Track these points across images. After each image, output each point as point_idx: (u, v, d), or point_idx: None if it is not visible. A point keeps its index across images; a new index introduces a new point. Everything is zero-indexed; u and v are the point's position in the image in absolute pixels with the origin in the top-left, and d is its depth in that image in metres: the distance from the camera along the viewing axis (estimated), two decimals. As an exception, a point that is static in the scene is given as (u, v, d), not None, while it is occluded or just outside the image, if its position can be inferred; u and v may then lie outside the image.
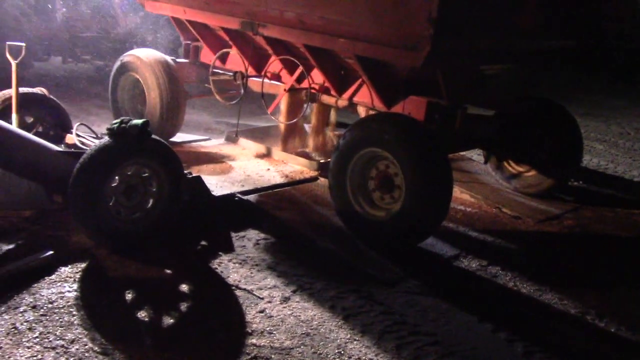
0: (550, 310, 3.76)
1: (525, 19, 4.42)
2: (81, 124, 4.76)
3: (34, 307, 3.20)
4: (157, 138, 3.96)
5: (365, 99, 5.07)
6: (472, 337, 3.36)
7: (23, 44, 4.53)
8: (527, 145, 5.64)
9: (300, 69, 5.30)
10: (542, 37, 4.70)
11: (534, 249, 4.66)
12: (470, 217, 5.06)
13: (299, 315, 3.39)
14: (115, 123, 3.78)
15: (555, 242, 4.82)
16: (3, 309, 3.16)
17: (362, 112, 5.23)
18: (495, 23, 4.18)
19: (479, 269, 4.18)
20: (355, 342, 3.20)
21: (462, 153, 6.56)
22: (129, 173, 3.87)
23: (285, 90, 5.58)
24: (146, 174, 3.96)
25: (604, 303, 3.88)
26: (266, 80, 5.64)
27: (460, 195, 5.51)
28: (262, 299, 3.53)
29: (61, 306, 3.24)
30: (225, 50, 5.84)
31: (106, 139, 3.77)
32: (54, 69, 9.54)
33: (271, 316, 3.36)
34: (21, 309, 3.17)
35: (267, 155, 6.01)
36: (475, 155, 6.72)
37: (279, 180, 5.32)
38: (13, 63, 4.45)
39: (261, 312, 3.40)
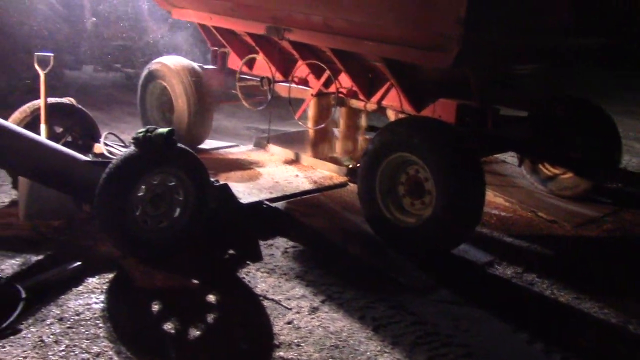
0: (590, 320, 3.60)
1: (558, 16, 4.27)
2: (109, 133, 4.77)
3: (60, 319, 3.18)
4: (183, 146, 3.92)
5: (394, 103, 4.97)
6: (507, 348, 3.24)
7: (51, 55, 4.55)
8: (563, 146, 5.46)
9: (327, 73, 5.22)
10: (576, 34, 4.54)
11: (572, 255, 4.49)
12: (504, 222, 4.92)
13: (328, 327, 3.31)
14: (141, 132, 3.75)
15: (594, 247, 4.64)
16: (30, 321, 3.14)
17: (391, 115, 5.13)
18: (527, 21, 4.04)
19: (514, 276, 4.05)
20: (385, 355, 3.10)
21: (495, 155, 6.40)
22: (155, 182, 3.84)
23: (312, 94, 5.52)
24: (172, 183, 3.92)
25: (647, 311, 3.72)
26: (293, 85, 5.58)
27: (494, 199, 5.37)
28: (290, 309, 3.46)
29: (88, 318, 3.21)
30: (251, 55, 5.81)
31: (132, 148, 3.75)
32: (85, 78, 9.66)
33: (299, 327, 3.28)
34: (48, 322, 3.15)
35: (295, 161, 5.95)
36: (509, 157, 6.55)
37: (307, 186, 5.25)
38: (42, 73, 4.47)
39: (289, 323, 3.32)
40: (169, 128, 3.79)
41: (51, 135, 4.49)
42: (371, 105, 5.21)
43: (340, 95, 5.31)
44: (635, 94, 11.21)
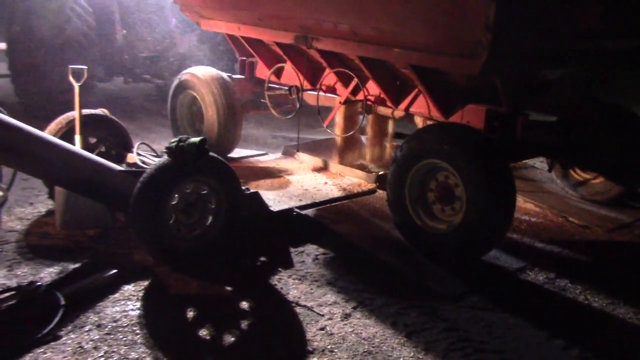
0: (625, 325, 3.56)
1: (588, 19, 4.24)
2: (142, 143, 4.86)
3: (98, 325, 3.25)
4: (215, 155, 3.99)
5: (422, 109, 4.98)
6: (541, 355, 3.22)
7: (85, 67, 4.67)
8: (594, 151, 5.41)
9: (355, 81, 5.26)
10: (607, 37, 4.51)
11: (605, 260, 4.44)
12: (535, 228, 4.89)
13: (360, 333, 3.33)
14: (174, 142, 3.83)
15: (627, 252, 4.59)
16: (69, 327, 3.22)
17: (419, 122, 5.14)
18: (555, 25, 4.02)
19: (546, 282, 4.02)
20: (418, 361, 3.11)
21: (524, 161, 6.36)
22: (187, 191, 3.91)
23: (340, 102, 5.55)
24: (205, 191, 3.99)
25: (684, 317, 3.66)
26: (321, 93, 5.62)
27: (524, 204, 5.34)
28: (323, 315, 3.49)
29: (125, 325, 3.28)
30: (279, 65, 5.87)
31: (165, 157, 3.83)
32: (115, 90, 9.84)
33: (332, 334, 3.31)
34: (87, 328, 3.23)
35: (324, 168, 5.99)
36: (538, 162, 6.50)
37: (336, 193, 5.28)
38: (76, 86, 4.58)
39: (322, 329, 3.35)
40: (201, 137, 3.86)
41: (85, 146, 4.59)
42: (399, 112, 5.23)
43: (368, 102, 5.34)
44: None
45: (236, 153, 6.37)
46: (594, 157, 5.43)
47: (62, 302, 3.34)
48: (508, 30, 3.70)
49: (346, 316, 3.49)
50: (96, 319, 3.32)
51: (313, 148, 6.51)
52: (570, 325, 3.54)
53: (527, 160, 6.39)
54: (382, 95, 5.18)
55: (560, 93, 5.18)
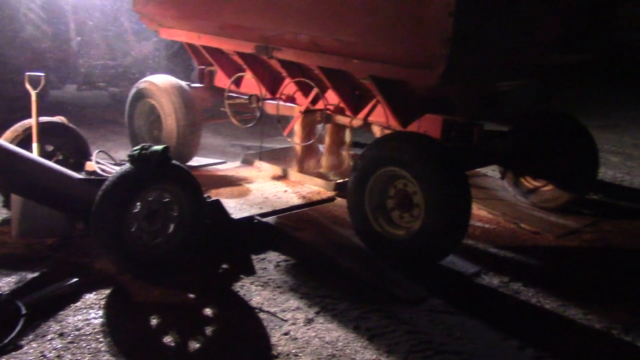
0: (575, 326, 3.73)
1: (543, 34, 4.43)
2: (100, 151, 4.82)
3: (61, 334, 3.22)
4: (178, 163, 4.00)
5: (380, 119, 5.10)
6: (498, 355, 3.34)
7: (42, 74, 4.61)
8: (544, 159, 5.63)
9: (315, 90, 5.34)
10: (559, 51, 4.71)
11: (556, 264, 4.63)
12: (489, 234, 5.05)
13: (324, 337, 3.39)
14: (136, 150, 3.82)
15: (577, 257, 4.79)
16: (31, 337, 3.18)
17: (377, 131, 5.26)
18: (511, 39, 4.20)
19: (501, 286, 4.16)
20: (381, 363, 3.19)
21: (478, 169, 6.55)
22: (150, 198, 3.91)
23: (300, 111, 5.63)
24: (167, 199, 3.99)
25: (630, 317, 3.84)
26: (281, 102, 5.68)
27: (478, 211, 5.50)
28: (286, 321, 3.54)
29: (88, 333, 3.26)
30: (239, 74, 5.91)
31: (127, 165, 3.82)
32: (68, 97, 9.67)
33: (296, 338, 3.36)
34: (49, 337, 3.19)
35: (283, 176, 6.04)
36: (491, 171, 6.71)
37: (296, 201, 5.34)
38: (33, 93, 4.52)
39: (285, 334, 3.40)
40: (164, 145, 3.87)
41: (42, 154, 4.54)
42: (357, 122, 5.33)
43: (328, 112, 5.42)
44: (610, 108, 11.51)
45: (195, 162, 6.37)
46: (544, 165, 5.65)
47: (23, 311, 3.29)
48: (466, 43, 3.84)
49: (309, 321, 3.55)
50: (58, 327, 3.28)
51: (272, 156, 6.56)
52: (524, 326, 3.68)
53: (480, 169, 6.59)
54: (342, 105, 5.28)
55: (513, 104, 5.39)
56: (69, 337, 3.20)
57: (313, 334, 3.41)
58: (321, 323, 3.54)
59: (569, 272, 4.50)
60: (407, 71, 4.15)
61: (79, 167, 4.82)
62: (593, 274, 4.49)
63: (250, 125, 5.97)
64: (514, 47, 4.22)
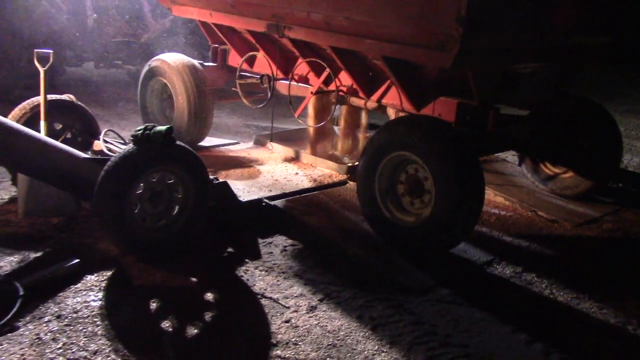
0: (589, 320, 3.59)
1: (561, 14, 4.24)
2: (109, 130, 4.76)
3: (58, 316, 3.18)
4: (182, 144, 3.92)
5: (394, 101, 4.96)
6: (505, 349, 3.22)
7: (51, 52, 4.54)
8: (564, 145, 5.45)
9: (327, 71, 5.21)
10: (580, 33, 4.51)
11: (572, 254, 4.47)
12: (504, 221, 4.90)
13: (326, 326, 3.30)
14: (139, 130, 3.75)
15: (595, 247, 4.63)
16: (28, 318, 3.14)
17: (391, 113, 5.12)
18: (529, 20, 4.01)
19: (513, 276, 4.03)
20: (383, 354, 3.09)
21: (496, 154, 6.38)
22: (153, 180, 3.84)
23: (311, 92, 5.50)
24: (171, 181, 3.92)
25: (647, 312, 3.70)
26: (293, 82, 5.56)
27: (494, 198, 5.35)
28: (288, 308, 3.46)
29: (85, 316, 3.21)
30: (252, 53, 5.79)
31: (130, 145, 3.75)
32: (86, 74, 9.66)
33: (297, 326, 3.28)
34: (46, 319, 3.15)
35: (295, 158, 5.94)
36: (510, 156, 6.53)
37: (307, 184, 5.24)
38: (41, 70, 4.46)
39: (287, 322, 3.32)
40: (168, 126, 3.78)
41: (50, 132, 4.50)
42: (371, 104, 5.19)
43: (341, 93, 5.29)
44: (636, 92, 11.17)
45: (207, 142, 6.29)
46: (564, 151, 5.47)
47: (21, 292, 3.25)
48: (480, 24, 3.67)
49: (312, 309, 3.46)
50: (56, 309, 3.24)
51: (285, 138, 6.46)
52: (535, 319, 3.56)
53: (498, 154, 6.42)
54: (355, 86, 5.14)
55: (532, 87, 5.20)
56: (66, 320, 3.16)
57: (315, 322, 3.33)
58: (324, 311, 3.45)
59: (586, 263, 4.35)
60: (419, 52, 3.99)
61: (87, 146, 4.78)
62: (611, 265, 4.34)
63: (262, 105, 5.86)
64: (531, 28, 4.03)
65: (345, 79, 5.22)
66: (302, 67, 5.48)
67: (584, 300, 3.79)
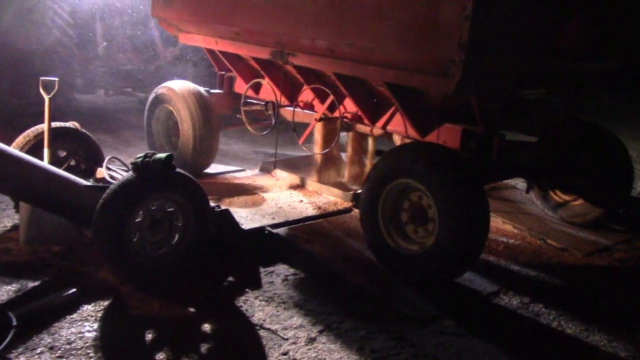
0: (598, 354, 3.46)
1: (566, 39, 4.19)
2: (113, 157, 4.74)
3: (51, 348, 3.12)
4: (182, 172, 3.88)
5: (399, 128, 4.91)
6: (510, 384, 3.12)
7: (56, 79, 4.55)
8: (573, 172, 5.35)
9: (331, 97, 5.17)
10: (586, 58, 4.45)
11: (582, 285, 4.35)
12: (512, 250, 4.80)
13: (324, 359, 3.21)
14: (139, 157, 3.73)
15: (606, 277, 4.50)
16: (20, 349, 3.09)
17: (397, 140, 5.07)
18: (533, 44, 3.96)
19: (520, 307, 3.92)
20: (382, 389, 3.00)
21: (505, 181, 6.29)
22: (153, 207, 3.80)
23: (315, 119, 5.47)
24: (171, 209, 3.88)
25: (659, 345, 3.57)
26: (298, 109, 5.54)
27: (503, 225, 5.25)
28: (287, 339, 3.37)
29: (79, 347, 3.15)
30: (257, 80, 5.78)
31: (130, 173, 3.72)
32: (96, 102, 9.73)
33: (295, 359, 3.19)
34: (38, 350, 3.09)
35: (301, 186, 5.89)
36: (519, 183, 6.43)
37: (311, 212, 5.17)
38: (46, 98, 4.46)
39: (284, 354, 3.23)
40: (168, 153, 3.76)
41: (54, 160, 4.48)
42: (377, 130, 5.15)
43: (345, 120, 5.25)
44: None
45: (212, 169, 6.26)
46: (574, 178, 5.37)
47: (14, 322, 3.20)
48: (483, 50, 3.63)
49: (311, 340, 3.38)
50: (50, 340, 3.19)
51: (291, 165, 6.41)
52: (541, 352, 3.44)
53: (507, 181, 6.33)
54: (359, 113, 5.10)
55: (540, 113, 5.13)
56: (59, 351, 3.10)
57: (313, 355, 3.24)
58: (323, 343, 3.36)
59: (596, 294, 4.23)
60: (422, 78, 3.95)
61: (91, 174, 4.77)
62: (622, 296, 4.21)
63: (266, 132, 5.83)
64: (536, 53, 3.98)
65: (350, 105, 5.18)
66: (306, 93, 5.46)
67: (593, 332, 3.67)
